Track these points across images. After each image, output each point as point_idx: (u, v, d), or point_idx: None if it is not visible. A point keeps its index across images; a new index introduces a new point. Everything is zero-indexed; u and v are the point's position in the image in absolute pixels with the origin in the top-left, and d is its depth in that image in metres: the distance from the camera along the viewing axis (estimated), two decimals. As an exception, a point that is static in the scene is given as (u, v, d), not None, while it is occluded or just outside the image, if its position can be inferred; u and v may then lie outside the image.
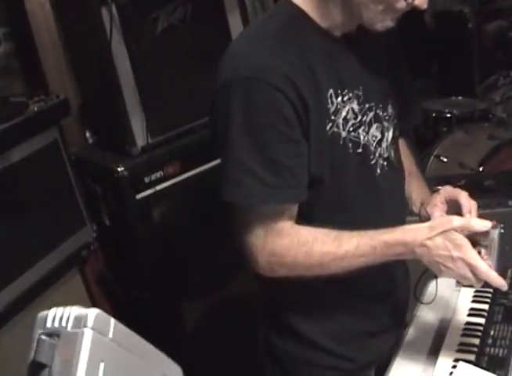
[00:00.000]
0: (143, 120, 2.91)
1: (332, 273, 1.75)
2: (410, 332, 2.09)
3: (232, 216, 1.79)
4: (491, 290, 2.12)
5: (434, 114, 4.23)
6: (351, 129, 1.78)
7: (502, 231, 1.67)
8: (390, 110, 1.91)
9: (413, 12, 1.73)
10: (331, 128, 1.74)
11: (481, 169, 3.62)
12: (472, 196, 1.89)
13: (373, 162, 1.86)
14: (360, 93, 1.80)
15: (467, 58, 5.23)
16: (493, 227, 1.69)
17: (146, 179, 2.92)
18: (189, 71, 3.02)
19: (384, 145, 1.89)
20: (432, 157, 3.92)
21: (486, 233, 1.67)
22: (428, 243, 1.65)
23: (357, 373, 2.02)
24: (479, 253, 1.65)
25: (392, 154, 1.93)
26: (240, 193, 1.70)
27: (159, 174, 2.95)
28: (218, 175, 1.76)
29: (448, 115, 4.18)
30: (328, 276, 1.76)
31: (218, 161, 3.02)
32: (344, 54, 1.79)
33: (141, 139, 2.93)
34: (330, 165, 1.76)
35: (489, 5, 5.21)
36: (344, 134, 1.77)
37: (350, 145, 1.78)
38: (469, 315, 2.06)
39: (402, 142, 2.09)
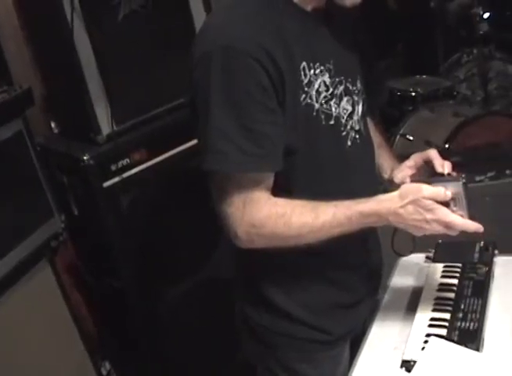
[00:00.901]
0: (107, 107, 2.89)
1: (308, 243, 1.78)
2: (382, 307, 2.12)
3: (210, 190, 1.81)
4: (459, 265, 2.14)
5: (399, 93, 4.25)
6: (323, 101, 1.82)
7: (464, 181, 1.73)
8: (359, 85, 1.96)
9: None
10: (305, 99, 1.78)
11: (447, 146, 3.65)
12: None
13: (344, 134, 1.90)
14: (331, 66, 1.84)
15: (431, 36, 5.26)
16: (457, 180, 1.75)
17: (113, 167, 2.91)
18: (152, 57, 3.01)
19: (355, 118, 1.94)
20: (398, 136, 3.95)
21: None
22: (401, 211, 1.72)
23: (333, 344, 2.04)
24: (448, 206, 1.71)
25: (362, 127, 1.98)
26: (220, 161, 1.72)
27: (125, 161, 2.94)
28: (199, 146, 1.78)
29: (413, 94, 4.20)
30: (302, 247, 1.79)
31: (185, 146, 3.08)
32: (315, 28, 1.83)
33: (106, 126, 2.91)
34: (304, 136, 1.79)
35: (451, -16, 5.22)
36: (316, 106, 1.80)
37: (322, 117, 1.82)
38: (439, 290, 2.08)
39: (369, 120, 2.12)
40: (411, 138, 3.88)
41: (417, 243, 2.04)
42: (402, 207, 1.72)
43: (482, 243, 2.25)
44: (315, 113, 1.81)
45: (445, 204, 1.71)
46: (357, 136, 1.94)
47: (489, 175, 3.23)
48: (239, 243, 1.81)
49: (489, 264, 2.14)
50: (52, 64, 3.07)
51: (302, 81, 1.77)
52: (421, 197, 1.71)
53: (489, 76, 4.51)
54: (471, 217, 1.73)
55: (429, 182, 1.76)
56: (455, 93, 4.39)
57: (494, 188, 3.21)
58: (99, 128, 2.90)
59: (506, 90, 4.58)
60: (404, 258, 2.22)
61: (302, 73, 1.77)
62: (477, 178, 3.19)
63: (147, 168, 3.01)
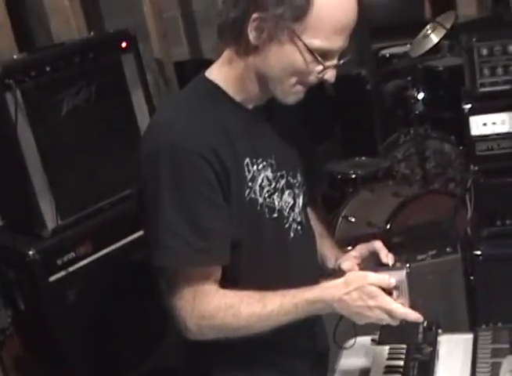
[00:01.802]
0: (52, 202, 2.92)
1: (256, 333, 1.82)
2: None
3: (158, 283, 1.84)
4: (404, 346, 2.17)
5: (339, 176, 4.31)
6: (266, 195, 1.88)
7: (408, 271, 1.82)
8: (299, 178, 2.02)
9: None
10: (249, 194, 1.83)
11: (388, 227, 3.71)
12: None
13: (286, 226, 1.95)
14: (273, 162, 1.90)
15: (368, 118, 5.36)
16: (401, 269, 1.83)
17: (59, 261, 2.92)
18: (96, 151, 3.07)
19: (296, 210, 1.99)
20: (340, 218, 3.99)
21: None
22: (345, 297, 1.77)
23: None
24: (390, 294, 1.77)
25: (304, 219, 2.03)
26: (169, 256, 1.76)
27: (71, 255, 2.95)
28: (148, 241, 1.81)
29: (353, 176, 4.26)
30: (251, 335, 1.82)
31: (129, 238, 3.10)
32: (256, 125, 1.90)
33: (51, 220, 2.94)
34: (249, 229, 1.85)
35: (385, 67, 5.36)
36: (260, 200, 1.86)
37: (266, 210, 1.88)
38: (385, 372, 2.10)
39: (309, 210, 2.17)
40: (353, 219, 3.94)
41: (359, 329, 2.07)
42: (346, 293, 1.77)
43: (426, 323, 2.27)
44: (259, 208, 1.86)
45: (389, 292, 1.76)
46: (299, 227, 2.00)
47: (431, 253, 3.27)
48: (189, 335, 1.83)
49: (433, 344, 2.16)
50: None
51: (246, 177, 1.83)
52: (366, 284, 1.76)
53: (427, 155, 4.62)
54: (413, 305, 1.79)
55: (375, 271, 1.82)
56: (394, 173, 4.48)
57: (436, 266, 3.26)
58: (43, 222, 2.92)
59: (443, 168, 4.69)
60: (349, 342, 2.25)
61: (246, 168, 1.83)
62: (419, 257, 3.24)
63: (93, 261, 3.03)
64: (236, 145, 1.81)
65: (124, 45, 3.17)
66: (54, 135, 2.95)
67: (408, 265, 1.85)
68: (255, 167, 1.86)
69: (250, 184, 1.84)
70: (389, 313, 1.76)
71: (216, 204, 1.77)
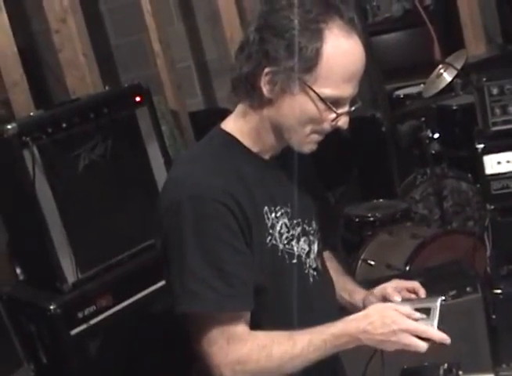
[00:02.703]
0: (72, 256, 2.95)
1: (288, 372, 1.85)
2: None
3: (187, 333, 1.87)
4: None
5: (357, 219, 4.31)
6: (285, 242, 1.93)
7: (443, 299, 1.91)
8: (314, 225, 2.07)
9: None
10: (270, 240, 1.89)
11: (407, 269, 3.70)
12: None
13: (306, 272, 2.00)
14: (289, 210, 1.96)
15: (385, 160, 5.36)
16: (435, 298, 1.92)
17: (79, 314, 2.93)
18: (113, 204, 3.10)
19: (311, 256, 2.03)
20: (360, 262, 3.99)
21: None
22: (369, 328, 1.80)
23: None
24: (416, 320, 1.82)
25: (319, 265, 2.07)
26: (195, 301, 1.80)
27: (92, 308, 2.96)
28: (172, 290, 1.84)
29: (372, 219, 4.26)
30: None
31: (149, 290, 3.11)
32: (273, 175, 1.96)
33: (71, 275, 2.96)
34: (271, 275, 1.90)
35: (400, 108, 5.38)
36: (281, 246, 1.91)
37: (286, 256, 1.93)
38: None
39: (327, 254, 2.22)
40: (372, 262, 3.93)
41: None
42: (369, 323, 1.81)
43: (446, 365, 2.27)
44: (280, 254, 1.92)
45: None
46: (315, 273, 2.04)
47: (451, 293, 3.26)
48: None
49: (454, 386, 2.16)
50: (15, 214, 3.13)
51: (266, 224, 1.89)
52: (388, 312, 1.82)
53: (444, 194, 4.61)
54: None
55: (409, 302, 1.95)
56: (412, 214, 4.47)
57: (457, 306, 3.25)
58: (64, 276, 2.95)
59: (461, 207, 4.67)
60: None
61: (265, 216, 1.89)
62: (439, 299, 3.23)
63: (113, 314, 3.04)
64: (254, 193, 1.87)
65: (138, 99, 3.22)
66: (72, 191, 2.99)
67: (443, 298, 1.92)
68: (273, 215, 1.91)
69: (270, 231, 1.90)
70: (414, 333, 1.79)
71: (239, 250, 1.81)
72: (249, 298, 1.84)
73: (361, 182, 5.50)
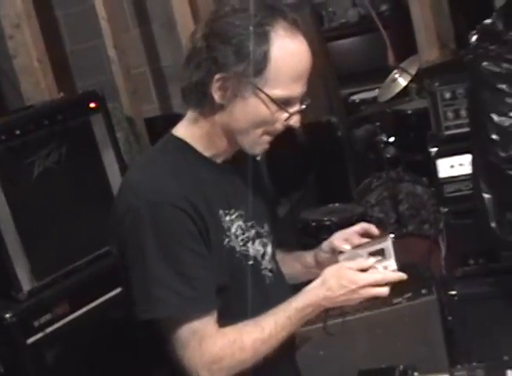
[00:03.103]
0: (27, 264, 2.93)
1: (263, 357, 1.87)
2: None
3: (152, 340, 1.90)
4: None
5: (314, 223, 4.32)
6: (241, 244, 1.96)
7: (393, 238, 1.92)
8: (266, 227, 2.10)
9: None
10: (228, 243, 1.92)
11: (364, 272, 3.73)
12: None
13: (262, 273, 2.04)
14: (243, 212, 1.99)
15: (341, 164, 5.39)
16: (385, 238, 1.94)
17: (36, 323, 2.90)
18: (68, 211, 3.09)
19: (266, 258, 2.07)
20: (317, 265, 4.01)
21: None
22: (328, 293, 1.87)
23: None
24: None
25: (274, 266, 2.11)
26: (163, 308, 1.81)
27: (48, 316, 2.94)
28: (135, 297, 1.84)
29: (328, 223, 4.28)
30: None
31: (106, 297, 3.10)
32: (226, 178, 1.99)
33: (27, 283, 2.94)
34: (230, 276, 1.92)
35: (355, 113, 5.42)
36: (237, 248, 1.94)
37: (243, 258, 1.96)
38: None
39: (280, 251, 2.25)
40: (329, 266, 3.95)
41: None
42: (327, 289, 1.87)
43: (402, 367, 2.29)
44: (237, 255, 1.95)
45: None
46: (270, 274, 2.07)
47: (406, 296, 3.29)
48: None
49: (410, 387, 2.18)
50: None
51: (223, 227, 1.91)
52: (343, 273, 1.87)
53: (400, 198, 4.65)
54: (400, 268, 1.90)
55: (360, 246, 1.98)
56: (368, 218, 4.49)
57: (412, 308, 3.28)
58: (19, 285, 2.92)
59: (416, 210, 4.71)
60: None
61: (221, 219, 1.91)
62: (395, 301, 3.26)
63: (70, 321, 3.02)
64: (210, 197, 1.89)
65: (92, 105, 3.21)
66: (26, 198, 2.97)
67: (392, 235, 1.94)
68: (228, 217, 1.94)
69: (227, 233, 1.92)
70: (374, 284, 1.85)
71: (199, 253, 1.83)
72: (212, 298, 1.86)
73: (317, 186, 5.53)
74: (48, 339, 2.95)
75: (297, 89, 1.86)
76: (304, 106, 1.90)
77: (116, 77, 4.47)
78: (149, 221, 1.79)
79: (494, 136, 2.57)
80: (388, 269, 1.89)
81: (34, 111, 3.18)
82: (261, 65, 1.81)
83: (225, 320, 1.89)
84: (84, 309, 3.07)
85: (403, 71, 4.49)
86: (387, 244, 1.92)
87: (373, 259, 1.89)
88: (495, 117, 2.56)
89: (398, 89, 4.54)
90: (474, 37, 2.73)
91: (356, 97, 5.63)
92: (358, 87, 6.20)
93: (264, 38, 1.80)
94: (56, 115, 3.08)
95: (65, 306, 3.01)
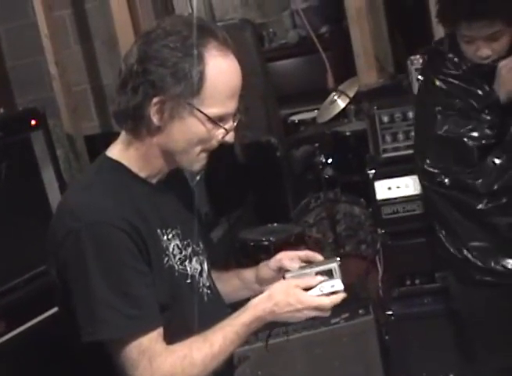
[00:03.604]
0: (-37, 281, 2.90)
1: (211, 371, 1.89)
2: None
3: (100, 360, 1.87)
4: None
5: (252, 243, 4.34)
6: (179, 263, 1.97)
7: (339, 260, 1.96)
8: (201, 245, 2.12)
9: (222, 146, 1.96)
10: (167, 262, 1.92)
11: (302, 291, 3.75)
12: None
13: (200, 290, 2.05)
14: (179, 231, 2.00)
15: (279, 185, 5.43)
16: (331, 260, 1.98)
17: (-27, 341, 2.88)
18: (6, 229, 3.07)
19: (204, 275, 2.09)
20: (255, 286, 4.02)
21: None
22: (275, 309, 1.89)
23: None
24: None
25: (211, 283, 2.13)
26: (108, 330, 1.79)
27: (-15, 334, 2.92)
28: (78, 319, 1.82)
29: (266, 243, 4.30)
30: None
31: (44, 316, 3.08)
32: (161, 198, 2.00)
33: (-37, 301, 2.91)
34: (171, 294, 1.92)
35: (294, 134, 5.47)
36: (176, 267, 1.95)
37: (181, 276, 1.97)
38: None
39: (215, 272, 2.25)
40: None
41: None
42: (274, 305, 1.88)
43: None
44: (176, 274, 1.95)
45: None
46: (208, 291, 2.09)
47: (344, 316, 3.33)
48: None
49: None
50: None
51: (162, 246, 1.92)
52: (290, 290, 1.89)
53: (337, 218, 4.69)
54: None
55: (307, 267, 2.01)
56: (306, 238, 4.53)
57: (350, 328, 3.32)
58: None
59: (354, 230, 4.76)
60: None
61: (160, 238, 1.92)
62: (333, 321, 3.30)
63: (7, 340, 2.99)
64: (147, 217, 1.90)
65: (33, 122, 3.21)
66: (-36, 215, 2.94)
67: (338, 258, 1.98)
68: (165, 237, 1.95)
69: (166, 252, 1.93)
70: (317, 309, 1.88)
71: (141, 271, 1.83)
72: (157, 315, 1.86)
73: (256, 206, 5.55)
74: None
75: (231, 106, 1.90)
76: (236, 122, 1.93)
77: (56, 93, 4.44)
78: (90, 242, 1.79)
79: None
80: (335, 288, 1.92)
81: (-26, 127, 3.15)
82: (197, 85, 1.83)
83: (167, 339, 1.89)
84: (21, 328, 3.04)
85: (342, 93, 4.55)
86: (335, 265, 1.96)
87: (320, 278, 1.92)
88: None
89: (336, 111, 4.61)
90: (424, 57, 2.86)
91: (295, 118, 5.70)
92: (298, 107, 6.26)
93: (198, 59, 1.82)
94: (-4, 131, 3.06)
95: (2, 325, 2.97)
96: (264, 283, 2.15)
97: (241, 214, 5.26)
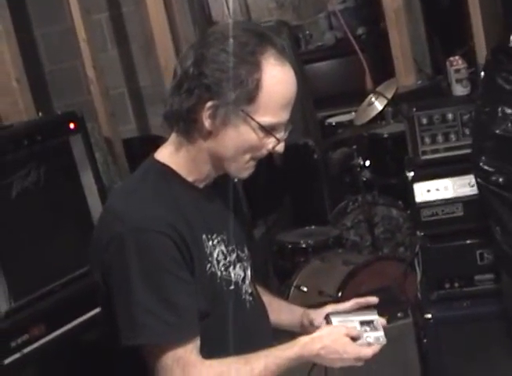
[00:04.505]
0: (4, 285, 2.91)
1: None
2: None
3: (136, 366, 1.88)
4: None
5: (289, 246, 4.34)
6: (222, 269, 1.96)
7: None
8: (246, 251, 2.11)
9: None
10: (210, 268, 1.91)
11: (339, 295, 3.74)
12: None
13: (243, 297, 2.04)
14: (225, 237, 1.99)
15: (317, 187, 5.42)
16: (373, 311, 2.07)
17: (13, 343, 2.88)
18: (46, 232, 3.08)
19: (247, 282, 2.07)
20: (292, 288, 4.01)
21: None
22: (322, 352, 1.88)
23: None
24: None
25: (254, 290, 2.11)
26: (146, 335, 1.80)
27: (25, 337, 2.92)
28: (118, 323, 1.83)
29: (304, 245, 4.29)
30: None
31: (82, 318, 3.10)
32: (208, 203, 1.99)
33: (4, 303, 2.91)
34: (212, 302, 1.92)
35: (332, 136, 5.45)
36: (219, 273, 1.94)
37: (224, 283, 1.95)
38: None
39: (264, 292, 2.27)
40: (305, 289, 3.95)
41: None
42: (322, 348, 1.88)
43: (378, 390, 2.32)
44: (218, 281, 1.94)
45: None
46: (251, 299, 2.07)
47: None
48: None
49: (387, 410, 2.20)
50: None
51: (206, 252, 1.91)
52: (339, 336, 1.89)
53: (375, 221, 4.68)
54: None
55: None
56: (344, 241, 4.52)
57: (388, 332, 3.28)
58: (-4, 306, 2.91)
59: (392, 233, 4.74)
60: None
61: (204, 244, 1.91)
62: (371, 324, 3.28)
63: (47, 343, 3.01)
64: (193, 223, 1.89)
65: (72, 126, 3.22)
66: (4, 218, 2.96)
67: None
68: (211, 242, 1.94)
69: (209, 259, 1.92)
70: (359, 359, 1.90)
71: (184, 279, 1.83)
72: (196, 325, 1.85)
73: (293, 209, 5.54)
74: (24, 360, 2.93)
75: (284, 116, 1.88)
76: (287, 133, 1.92)
77: (94, 97, 4.46)
78: (135, 248, 1.79)
79: None
80: (380, 341, 1.96)
81: (13, 131, 3.18)
82: (253, 93, 1.82)
83: (205, 348, 1.88)
84: (60, 331, 3.05)
85: (379, 95, 4.53)
86: (376, 316, 2.02)
87: (367, 328, 1.97)
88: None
89: (374, 113, 4.57)
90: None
91: (332, 120, 5.68)
92: (334, 110, 6.24)
93: (256, 67, 1.82)
94: (35, 135, 3.08)
95: (41, 327, 2.99)
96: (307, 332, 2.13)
97: (278, 216, 5.26)
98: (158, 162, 1.96)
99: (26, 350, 2.93)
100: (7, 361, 2.88)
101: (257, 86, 1.82)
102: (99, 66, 4.48)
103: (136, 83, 5.08)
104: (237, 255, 2.04)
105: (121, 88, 5.06)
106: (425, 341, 3.39)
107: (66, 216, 3.16)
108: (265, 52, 1.84)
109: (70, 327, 3.08)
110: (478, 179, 2.84)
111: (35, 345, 2.97)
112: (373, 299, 2.16)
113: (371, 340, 1.94)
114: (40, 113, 3.51)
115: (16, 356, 2.91)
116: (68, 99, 4.90)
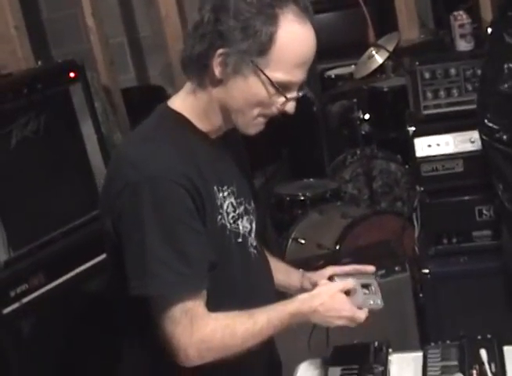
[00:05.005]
0: (3, 234, 2.92)
1: (248, 348, 1.89)
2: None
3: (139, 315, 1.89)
4: (356, 366, 2.21)
5: (287, 198, 4.34)
6: (231, 221, 1.95)
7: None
8: (252, 204, 2.10)
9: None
10: (220, 220, 1.91)
11: (337, 248, 3.76)
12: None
13: (249, 250, 2.04)
14: (234, 189, 1.98)
15: (315, 140, 5.39)
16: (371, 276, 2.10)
17: (12, 293, 2.91)
18: (46, 181, 3.08)
19: (252, 235, 2.07)
20: (290, 240, 4.02)
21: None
22: (320, 309, 1.91)
23: None
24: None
25: (258, 244, 2.11)
26: (157, 285, 1.80)
27: (24, 286, 2.94)
28: (128, 272, 1.83)
29: (302, 198, 4.30)
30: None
31: (82, 268, 3.11)
32: (219, 154, 1.98)
33: (3, 252, 2.93)
34: (220, 253, 1.91)
35: (331, 89, 5.41)
36: (228, 225, 1.94)
37: (232, 235, 1.96)
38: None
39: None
40: (303, 241, 3.97)
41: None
42: (320, 304, 1.91)
43: (376, 343, 2.32)
44: (228, 232, 1.94)
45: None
46: (255, 252, 2.07)
47: (380, 273, 3.32)
48: (189, 361, 1.86)
49: (384, 363, 2.19)
50: None
51: (217, 203, 1.90)
52: (336, 292, 1.94)
53: (373, 174, 4.68)
54: None
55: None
56: (342, 194, 4.53)
57: (385, 285, 3.30)
58: (-5, 255, 2.92)
59: (390, 187, 4.75)
60: (302, 364, 2.28)
61: (215, 196, 1.90)
62: (369, 277, 3.29)
63: (46, 292, 3.03)
64: (205, 173, 1.87)
65: (72, 75, 3.20)
66: (3, 167, 2.96)
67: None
68: (221, 194, 1.93)
69: (220, 210, 1.92)
70: (352, 319, 1.95)
71: (196, 230, 1.82)
72: (206, 278, 1.85)
73: (291, 161, 5.53)
74: (24, 310, 2.95)
75: (297, 75, 1.85)
76: (301, 94, 1.90)
77: (93, 46, 4.42)
78: (149, 197, 1.78)
79: None
80: (375, 306, 2.02)
81: (12, 79, 3.16)
82: (265, 46, 1.80)
83: (211, 299, 1.88)
84: (59, 280, 3.07)
85: (380, 48, 4.49)
86: (374, 281, 2.06)
87: (365, 290, 2.01)
88: None
89: (374, 66, 4.54)
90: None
91: (332, 72, 5.63)
92: (335, 62, 6.19)
93: (272, 20, 1.79)
94: (35, 84, 3.06)
95: (41, 277, 3.01)
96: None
97: (277, 168, 5.26)
98: (172, 110, 1.95)
99: (25, 300, 2.95)
100: (6, 311, 2.90)
101: (270, 39, 1.79)
102: (98, 15, 4.43)
103: (136, 32, 5.04)
104: (245, 208, 2.03)
105: (121, 37, 5.02)
106: (422, 295, 3.41)
107: (65, 166, 3.15)
108: (285, 7, 1.80)
109: (69, 277, 3.10)
110: (483, 136, 2.83)
111: (34, 294, 2.99)
112: (371, 268, 2.14)
113: (366, 303, 1.98)
114: (39, 62, 3.48)
115: (15, 305, 2.93)
116: (67, 48, 4.87)
